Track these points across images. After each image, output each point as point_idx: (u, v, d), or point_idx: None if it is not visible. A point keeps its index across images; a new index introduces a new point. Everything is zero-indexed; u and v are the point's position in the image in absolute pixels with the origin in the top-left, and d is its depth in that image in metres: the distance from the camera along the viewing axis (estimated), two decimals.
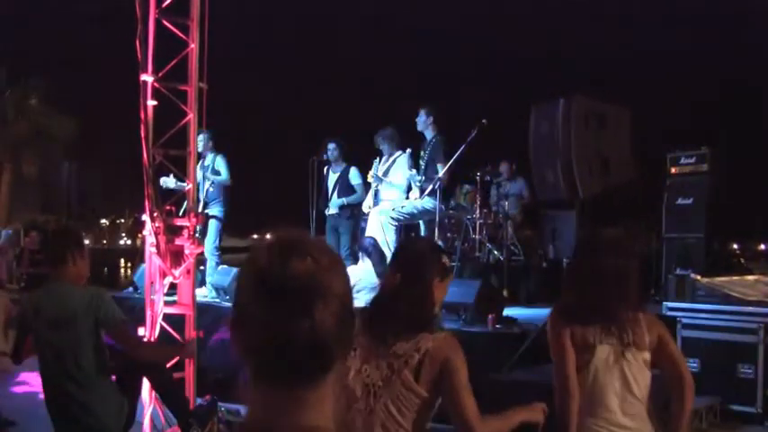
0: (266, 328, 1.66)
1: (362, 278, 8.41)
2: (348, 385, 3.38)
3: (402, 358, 3.36)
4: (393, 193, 10.72)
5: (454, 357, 3.39)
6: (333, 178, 11.63)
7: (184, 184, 6.81)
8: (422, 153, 10.60)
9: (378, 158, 11.00)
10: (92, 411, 4.93)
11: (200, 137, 9.54)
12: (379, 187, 10.85)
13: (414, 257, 3.67)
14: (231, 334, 1.77)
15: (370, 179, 10.92)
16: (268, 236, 1.88)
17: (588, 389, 3.71)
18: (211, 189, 11.37)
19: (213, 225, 11.46)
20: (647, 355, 3.75)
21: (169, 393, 5.89)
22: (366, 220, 10.77)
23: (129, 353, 5.16)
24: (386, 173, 10.85)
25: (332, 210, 11.51)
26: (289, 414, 1.68)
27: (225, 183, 11.56)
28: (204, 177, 11.16)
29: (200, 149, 10.25)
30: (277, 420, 1.68)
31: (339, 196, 11.48)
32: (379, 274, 8.39)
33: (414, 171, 10.56)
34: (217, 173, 11.45)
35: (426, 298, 3.53)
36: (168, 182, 9.89)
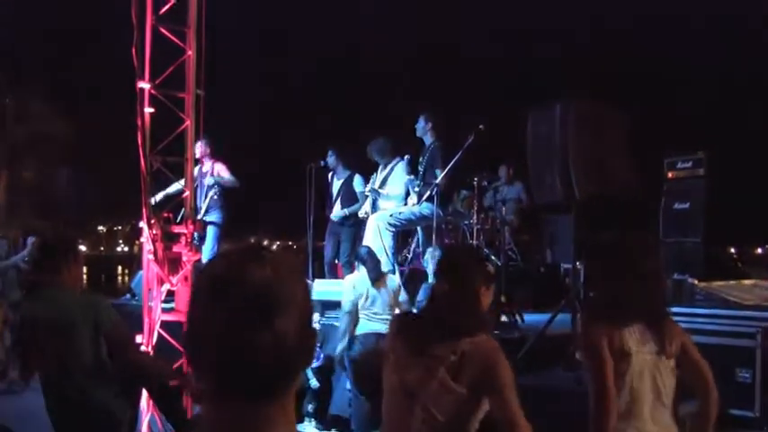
0: (226, 342, 1.58)
1: (357, 286, 8.42)
2: (389, 387, 3.49)
3: (437, 359, 3.43)
4: (390, 204, 10.73)
5: (496, 358, 3.49)
6: (337, 185, 11.64)
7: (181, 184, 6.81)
8: (420, 159, 10.60)
9: (376, 171, 11.04)
10: (93, 417, 4.92)
11: (198, 143, 9.54)
12: (377, 198, 10.87)
13: (459, 266, 3.73)
14: (185, 351, 1.70)
15: (366, 193, 10.95)
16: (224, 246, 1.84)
17: (624, 396, 3.69)
18: (215, 197, 11.37)
19: (212, 231, 11.45)
20: (673, 363, 3.77)
21: (166, 402, 5.88)
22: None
23: (128, 358, 5.13)
24: (383, 182, 10.87)
25: (334, 218, 11.53)
26: (255, 428, 1.60)
27: (234, 183, 11.58)
28: (208, 186, 11.18)
29: (197, 155, 10.27)
30: None
31: (342, 203, 11.49)
32: (372, 281, 8.40)
33: (412, 176, 10.57)
34: (217, 179, 11.45)
35: (474, 305, 3.61)
36: (171, 188, 9.85)
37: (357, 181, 11.49)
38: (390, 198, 10.76)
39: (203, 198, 11.17)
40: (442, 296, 3.67)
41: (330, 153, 11.63)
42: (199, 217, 10.59)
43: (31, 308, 5.11)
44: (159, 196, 9.80)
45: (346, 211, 11.35)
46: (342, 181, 11.58)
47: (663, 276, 3.85)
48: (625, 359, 3.67)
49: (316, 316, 8.68)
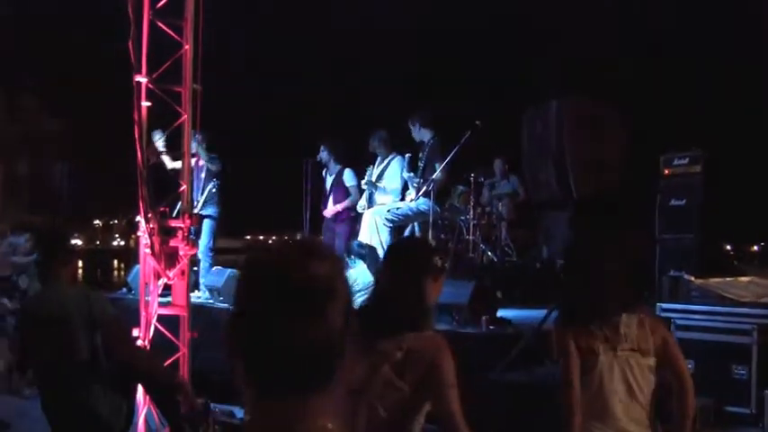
0: (283, 334, 1.61)
1: (358, 279, 8.42)
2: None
3: (382, 356, 3.34)
4: (387, 198, 10.73)
5: (441, 356, 3.37)
6: (329, 180, 11.64)
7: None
8: (420, 155, 10.61)
9: (372, 164, 11.03)
10: (90, 412, 4.91)
11: (193, 138, 9.52)
12: (373, 191, 10.87)
13: (405, 257, 3.65)
14: (230, 343, 1.70)
15: (364, 186, 10.94)
16: (270, 240, 1.88)
17: (594, 393, 3.71)
18: (214, 190, 11.34)
19: (207, 225, 11.42)
20: (651, 361, 3.76)
21: (161, 398, 5.86)
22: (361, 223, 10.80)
23: (123, 354, 5.11)
24: (380, 176, 10.87)
25: (327, 213, 11.53)
26: (300, 421, 1.63)
27: (217, 166, 11.44)
28: (201, 186, 11.17)
29: (192, 150, 10.23)
30: (290, 426, 1.63)
31: (335, 198, 11.49)
32: (374, 275, 8.40)
33: (411, 174, 10.57)
34: (210, 173, 11.42)
35: (418, 297, 3.49)
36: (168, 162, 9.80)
37: (347, 175, 11.48)
38: (387, 192, 10.77)
39: (200, 192, 11.14)
40: (385, 288, 3.59)
41: (322, 149, 11.62)
42: (195, 211, 10.56)
43: (28, 302, 5.12)
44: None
45: (338, 207, 11.34)
46: (333, 177, 11.58)
47: (620, 274, 3.85)
48: (591, 357, 3.70)
49: None
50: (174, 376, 5.76)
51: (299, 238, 1.78)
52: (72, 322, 4.84)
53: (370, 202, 10.85)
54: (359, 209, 11.06)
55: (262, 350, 1.63)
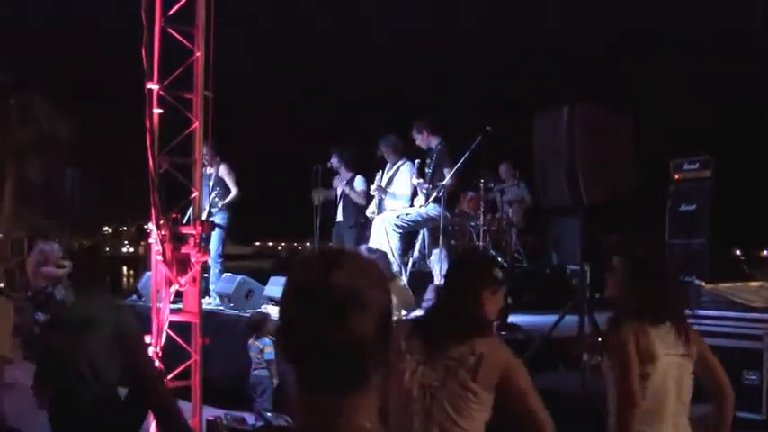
0: (307, 338, 1.74)
1: None
2: (404, 387, 3.48)
3: (457, 360, 3.47)
4: (397, 203, 10.74)
5: (512, 360, 3.57)
6: (341, 187, 11.65)
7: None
8: (428, 161, 10.61)
9: (381, 170, 11.03)
10: (100, 421, 4.91)
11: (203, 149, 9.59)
12: (383, 197, 10.87)
13: (464, 270, 3.82)
14: (277, 344, 1.87)
15: (373, 192, 10.95)
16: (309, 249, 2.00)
17: (649, 396, 3.71)
18: (217, 199, 11.37)
19: (216, 233, 11.44)
20: (692, 366, 3.81)
21: (167, 416, 5.78)
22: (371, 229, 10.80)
23: (138, 372, 5.11)
24: (389, 182, 10.88)
25: (338, 218, 11.56)
26: (337, 418, 1.75)
27: (236, 198, 11.59)
28: (210, 194, 11.21)
29: (204, 162, 10.32)
30: (327, 425, 1.76)
31: (344, 206, 11.51)
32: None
33: (420, 180, 10.56)
34: (220, 182, 11.46)
35: (476, 309, 3.63)
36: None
37: (358, 182, 11.49)
38: (396, 198, 10.77)
39: (207, 199, 11.19)
40: (445, 299, 3.78)
41: (333, 155, 11.63)
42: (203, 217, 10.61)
43: (58, 308, 5.16)
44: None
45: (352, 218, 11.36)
46: (344, 183, 11.58)
47: (681, 280, 3.94)
48: (651, 361, 3.70)
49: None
50: (183, 421, 5.65)
51: (326, 249, 1.91)
52: (98, 328, 4.85)
53: (380, 208, 10.86)
54: (368, 215, 11.07)
55: (297, 354, 1.78)
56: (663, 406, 3.71)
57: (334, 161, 11.60)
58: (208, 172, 11.31)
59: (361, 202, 11.34)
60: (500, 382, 3.48)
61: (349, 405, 1.76)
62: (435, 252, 10.00)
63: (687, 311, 4.05)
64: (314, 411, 1.78)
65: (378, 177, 10.91)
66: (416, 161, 10.79)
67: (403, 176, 10.84)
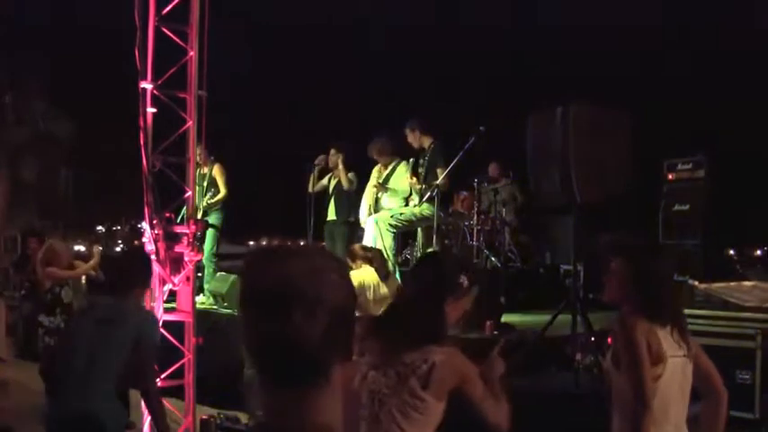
0: (248, 335, 1.73)
1: (366, 281, 8.44)
2: (354, 391, 3.38)
3: (409, 367, 3.37)
4: (395, 201, 10.73)
5: (467, 371, 3.45)
6: (333, 184, 11.65)
7: None
8: (421, 161, 10.62)
9: (377, 167, 11.03)
10: (96, 417, 4.88)
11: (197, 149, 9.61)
12: (380, 195, 10.86)
13: (429, 275, 3.68)
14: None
15: (372, 189, 10.92)
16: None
17: (655, 402, 3.67)
18: (211, 202, 11.39)
19: (210, 232, 11.46)
20: (692, 368, 3.80)
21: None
22: (363, 228, 10.80)
23: (142, 386, 5.10)
24: (386, 181, 10.88)
25: (329, 216, 11.55)
26: (294, 415, 1.72)
27: (223, 199, 11.59)
28: (203, 193, 11.22)
29: (198, 161, 10.33)
30: (284, 421, 1.73)
31: (336, 203, 11.51)
32: (382, 277, 8.44)
33: (414, 179, 10.57)
34: (213, 182, 11.48)
35: (437, 316, 3.53)
36: None
37: (352, 178, 11.47)
38: (393, 197, 10.76)
39: (202, 200, 11.21)
40: (406, 301, 3.68)
41: (332, 152, 11.61)
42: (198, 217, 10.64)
43: (91, 301, 5.15)
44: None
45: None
46: (337, 180, 11.58)
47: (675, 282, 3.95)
48: (660, 364, 3.68)
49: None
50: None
51: (269, 243, 1.87)
52: (123, 329, 4.85)
53: (377, 207, 10.85)
54: (361, 216, 11.07)
55: (248, 349, 1.76)
56: (668, 407, 3.71)
57: (332, 158, 11.57)
58: (203, 172, 11.32)
59: (351, 197, 11.35)
60: (455, 392, 3.40)
61: (306, 402, 1.73)
62: (429, 252, 9.99)
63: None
64: (272, 409, 1.75)
65: (373, 175, 10.90)
66: (410, 160, 10.79)
67: (399, 175, 10.83)
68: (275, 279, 1.70)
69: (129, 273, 5.27)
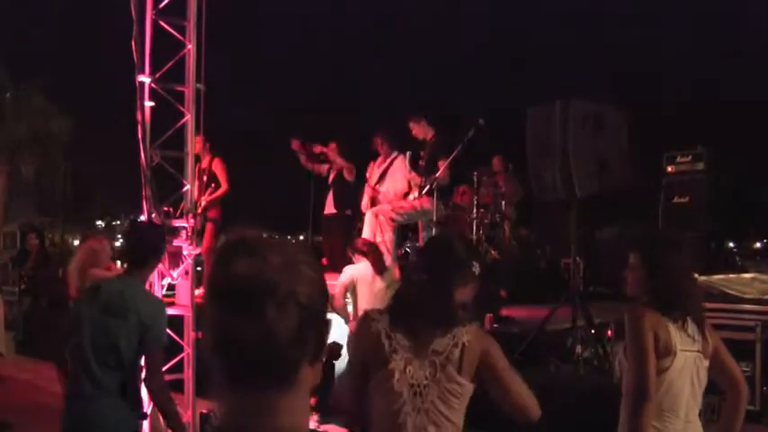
0: (215, 330, 1.63)
1: (359, 278, 8.40)
2: (393, 389, 3.35)
3: (443, 354, 3.36)
4: (393, 195, 10.72)
5: (492, 347, 3.44)
6: (331, 178, 11.64)
7: None
8: (421, 153, 10.61)
9: (374, 162, 11.02)
10: (110, 416, 4.84)
11: (197, 140, 9.61)
12: (378, 188, 10.85)
13: (445, 259, 3.59)
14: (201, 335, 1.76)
15: (371, 182, 10.93)
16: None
17: (663, 392, 3.67)
18: (212, 195, 11.39)
19: (209, 227, 11.48)
20: (707, 363, 3.77)
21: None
22: (362, 221, 10.79)
23: (147, 383, 5.04)
24: (382, 175, 10.86)
25: (327, 210, 11.54)
26: (259, 415, 1.64)
27: (224, 194, 11.58)
28: (204, 188, 11.21)
29: (197, 153, 10.35)
30: (249, 422, 1.64)
31: (335, 196, 11.50)
32: (379, 273, 8.39)
33: (413, 173, 10.57)
34: (213, 177, 11.47)
35: (450, 300, 3.49)
36: None
37: (350, 172, 11.46)
38: (389, 190, 10.75)
39: (203, 195, 11.23)
40: (420, 289, 3.52)
41: (332, 146, 11.59)
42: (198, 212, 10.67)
43: (96, 286, 5.04)
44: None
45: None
46: (336, 173, 11.57)
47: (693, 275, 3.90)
48: (668, 357, 3.66)
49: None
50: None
51: (235, 235, 1.75)
52: (130, 318, 4.78)
53: (373, 201, 10.84)
54: (362, 207, 11.07)
55: (213, 348, 1.65)
56: (678, 402, 3.69)
57: (331, 152, 11.55)
58: (203, 167, 11.32)
59: (349, 190, 11.35)
60: (480, 368, 3.38)
61: (272, 403, 1.64)
62: None
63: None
64: (233, 410, 1.66)
65: (371, 171, 10.89)
66: (408, 153, 10.78)
67: (397, 170, 10.82)
68: (249, 272, 1.61)
69: (143, 246, 5.12)
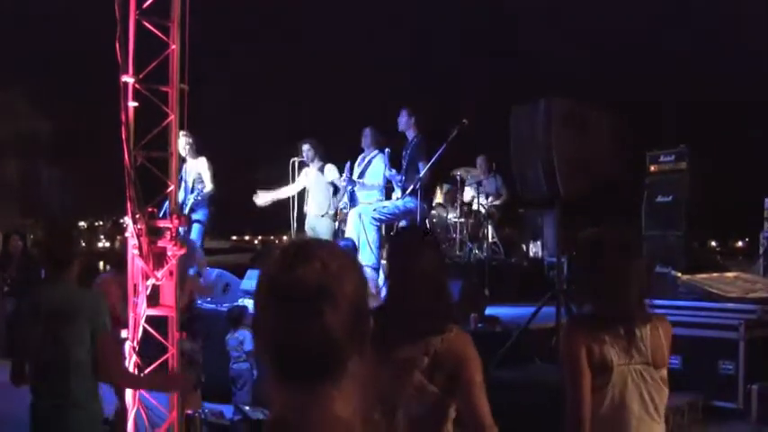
0: (277, 333, 1.74)
1: None
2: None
3: (410, 362, 3.24)
4: (369, 194, 10.73)
5: (467, 354, 3.29)
6: (311, 178, 11.62)
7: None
8: (403, 153, 10.62)
9: (351, 161, 11.01)
10: (75, 412, 4.84)
11: (181, 140, 9.62)
12: (355, 189, 10.87)
13: (433, 257, 3.45)
14: (253, 337, 1.86)
15: (342, 183, 10.95)
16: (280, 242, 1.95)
17: (606, 410, 3.47)
18: (199, 198, 11.37)
19: (196, 228, 11.46)
20: (664, 373, 3.55)
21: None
22: (344, 221, 10.79)
23: (107, 374, 5.03)
24: (362, 174, 10.87)
25: (308, 209, 11.51)
26: (311, 409, 1.75)
27: (210, 193, 11.55)
28: (190, 188, 11.22)
29: (183, 154, 10.37)
30: (303, 416, 1.75)
31: (317, 197, 11.49)
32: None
33: (393, 171, 10.57)
34: (199, 177, 11.45)
35: (438, 293, 3.36)
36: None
37: (329, 170, 11.44)
38: (368, 188, 10.76)
39: (187, 195, 11.22)
40: (400, 287, 3.40)
41: (306, 147, 11.55)
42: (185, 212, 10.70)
43: (36, 296, 5.05)
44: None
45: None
46: (315, 173, 11.55)
47: (644, 278, 3.58)
48: (605, 372, 3.45)
49: None
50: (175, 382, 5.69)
51: (294, 241, 1.88)
52: (79, 319, 4.79)
53: (353, 201, 10.85)
54: (340, 206, 11.08)
55: (270, 347, 1.78)
56: (625, 419, 3.48)
57: (308, 153, 11.53)
58: (188, 168, 11.33)
59: (329, 190, 11.35)
60: (452, 379, 3.23)
61: (323, 396, 1.75)
62: None
63: (663, 301, 3.78)
64: (288, 403, 1.77)
65: (347, 168, 10.88)
66: (387, 150, 10.78)
67: (376, 167, 10.83)
68: (307, 275, 1.73)
69: (67, 245, 5.16)
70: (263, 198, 11.67)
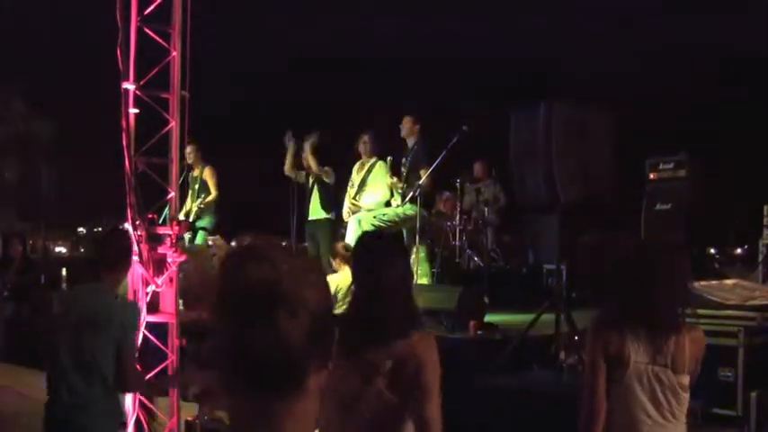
0: (225, 338, 1.64)
1: (342, 286, 8.41)
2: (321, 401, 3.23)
3: (372, 367, 3.21)
4: (373, 200, 10.72)
5: (425, 360, 3.25)
6: (312, 181, 11.62)
7: None
8: (404, 160, 10.61)
9: (354, 167, 11.02)
10: (94, 417, 4.84)
11: (189, 149, 9.68)
12: (358, 194, 10.86)
13: (402, 262, 3.45)
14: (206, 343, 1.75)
15: (351, 188, 10.93)
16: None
17: (619, 404, 3.57)
18: (202, 206, 11.40)
19: (201, 236, 11.52)
20: (684, 379, 3.62)
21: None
22: (345, 227, 10.79)
23: (122, 377, 5.04)
24: (363, 181, 10.86)
25: (310, 216, 11.50)
26: (267, 425, 1.65)
27: (214, 201, 11.60)
28: (196, 195, 11.27)
29: (189, 161, 10.41)
30: (259, 429, 1.65)
31: (317, 201, 11.47)
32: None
33: (395, 179, 10.57)
34: (204, 184, 11.50)
35: (405, 296, 3.35)
36: None
37: (329, 172, 11.43)
38: (370, 197, 10.74)
39: (195, 203, 11.32)
40: (368, 291, 3.36)
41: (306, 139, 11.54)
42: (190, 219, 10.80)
43: (68, 296, 5.06)
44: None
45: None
46: (315, 178, 11.53)
47: (683, 286, 3.71)
48: (620, 366, 3.54)
49: None
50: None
51: (247, 242, 1.78)
52: (106, 328, 4.79)
53: (355, 206, 10.84)
54: (344, 216, 11.06)
55: (222, 356, 1.66)
56: (638, 419, 3.56)
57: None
58: (194, 175, 11.40)
59: (332, 183, 11.32)
60: (410, 384, 3.19)
61: (279, 411, 1.64)
62: (413, 251, 9.98)
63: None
64: (242, 418, 1.67)
65: (350, 182, 10.89)
66: (389, 158, 10.78)
67: (377, 174, 10.82)
68: (259, 280, 1.62)
69: (113, 252, 5.15)
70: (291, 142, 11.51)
